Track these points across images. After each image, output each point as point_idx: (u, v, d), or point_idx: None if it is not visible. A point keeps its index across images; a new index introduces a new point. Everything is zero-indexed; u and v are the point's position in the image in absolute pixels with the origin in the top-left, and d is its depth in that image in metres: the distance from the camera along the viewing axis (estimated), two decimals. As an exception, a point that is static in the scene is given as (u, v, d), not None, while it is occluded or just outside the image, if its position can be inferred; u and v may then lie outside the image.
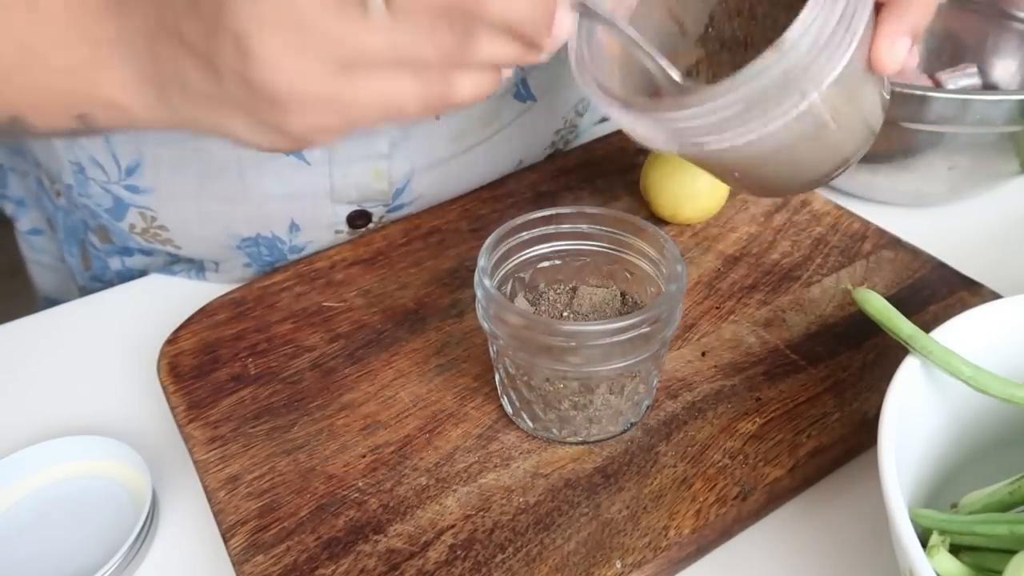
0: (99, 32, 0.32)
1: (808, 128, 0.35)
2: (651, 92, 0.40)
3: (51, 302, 0.68)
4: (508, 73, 0.33)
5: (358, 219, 0.58)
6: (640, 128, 0.35)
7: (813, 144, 0.37)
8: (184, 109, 0.32)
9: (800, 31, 0.31)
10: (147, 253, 0.61)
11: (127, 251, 0.62)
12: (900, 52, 0.35)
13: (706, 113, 0.33)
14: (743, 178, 0.41)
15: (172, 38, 0.30)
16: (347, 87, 0.29)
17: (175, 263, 0.62)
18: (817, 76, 0.33)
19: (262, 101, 0.29)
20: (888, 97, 0.40)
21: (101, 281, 0.65)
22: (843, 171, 0.41)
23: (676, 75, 0.35)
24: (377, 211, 0.59)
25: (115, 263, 0.63)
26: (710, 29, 0.44)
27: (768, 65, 0.32)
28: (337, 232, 0.58)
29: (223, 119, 0.31)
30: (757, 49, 0.35)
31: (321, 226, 0.58)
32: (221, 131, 0.32)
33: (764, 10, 0.42)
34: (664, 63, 0.35)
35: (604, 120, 0.75)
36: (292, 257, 0.59)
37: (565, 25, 0.31)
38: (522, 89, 0.60)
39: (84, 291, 0.67)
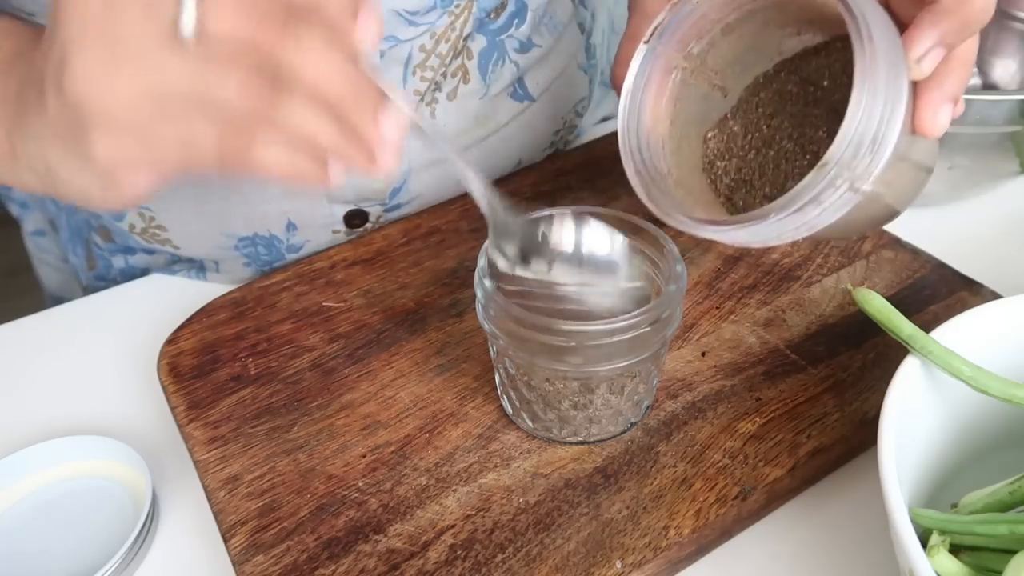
0: None
1: (863, 208, 0.37)
2: (703, 130, 0.46)
3: (58, 300, 0.69)
4: (336, 175, 0.31)
5: (355, 219, 0.58)
6: (700, 234, 0.40)
7: (865, 215, 0.39)
8: (24, 149, 0.32)
9: (840, 147, 0.34)
10: (149, 252, 0.61)
11: (130, 250, 0.62)
12: (944, 119, 0.36)
13: (762, 230, 0.37)
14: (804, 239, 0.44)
15: (26, 75, 0.31)
16: (152, 117, 0.29)
17: (176, 262, 0.62)
18: (864, 174, 0.35)
19: (72, 116, 0.29)
20: (936, 148, 0.42)
21: (105, 280, 0.65)
22: (893, 219, 0.45)
23: (499, 207, 0.38)
24: (374, 211, 0.59)
25: (119, 261, 0.63)
26: (751, 97, 0.47)
27: (815, 181, 0.35)
28: (335, 232, 0.58)
29: (48, 151, 0.31)
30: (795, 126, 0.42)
31: (318, 226, 0.58)
32: (51, 167, 0.32)
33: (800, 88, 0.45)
34: (494, 198, 0.37)
35: (606, 119, 0.75)
36: (290, 256, 0.59)
37: (391, 127, 0.30)
38: (519, 89, 0.60)
39: (88, 290, 0.67)
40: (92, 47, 0.28)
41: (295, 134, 0.29)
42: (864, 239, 0.56)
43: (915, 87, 0.37)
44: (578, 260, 0.39)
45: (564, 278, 0.39)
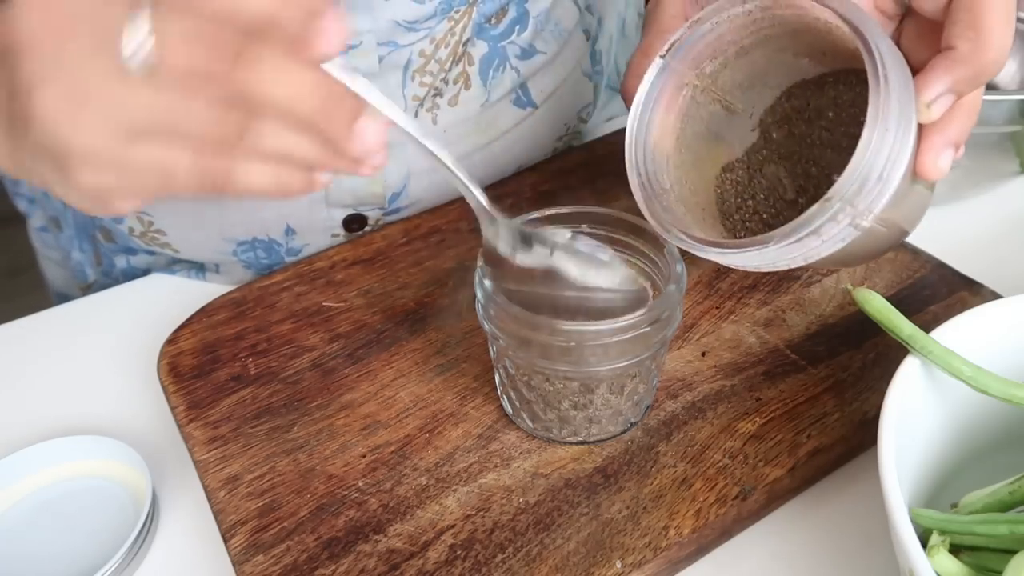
0: None
1: (860, 240, 0.38)
2: (711, 143, 0.46)
3: (63, 297, 0.69)
4: (324, 178, 0.31)
5: (354, 223, 0.58)
6: (722, 262, 0.41)
7: (864, 246, 0.40)
8: (24, 162, 0.32)
9: (847, 182, 0.35)
10: (151, 253, 0.61)
11: (131, 250, 0.62)
12: (945, 164, 0.37)
13: (759, 256, 0.38)
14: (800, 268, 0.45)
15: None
16: (124, 149, 0.28)
17: (176, 263, 0.62)
18: (866, 211, 0.36)
19: (48, 155, 0.29)
20: (933, 188, 0.42)
21: (110, 277, 0.65)
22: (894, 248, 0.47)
23: (485, 203, 0.38)
24: (373, 215, 0.59)
25: (120, 261, 0.63)
26: (762, 118, 0.47)
27: (818, 212, 0.35)
28: (334, 236, 0.58)
29: (43, 171, 0.31)
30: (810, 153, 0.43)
31: (317, 230, 0.58)
32: (48, 184, 0.32)
33: (814, 114, 0.46)
34: (478, 193, 0.38)
35: (612, 118, 0.75)
36: (289, 259, 0.59)
37: (370, 134, 0.30)
38: (522, 96, 0.60)
39: (91, 288, 0.67)
40: (52, 83, 0.28)
41: (271, 154, 0.29)
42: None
43: (919, 130, 0.37)
44: (576, 249, 0.39)
45: (566, 264, 0.39)
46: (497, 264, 0.40)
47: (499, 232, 0.39)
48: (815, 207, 0.35)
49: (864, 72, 0.35)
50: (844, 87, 0.44)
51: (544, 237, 0.39)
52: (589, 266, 0.39)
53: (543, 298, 0.40)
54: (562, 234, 0.40)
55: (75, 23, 0.27)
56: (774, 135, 0.46)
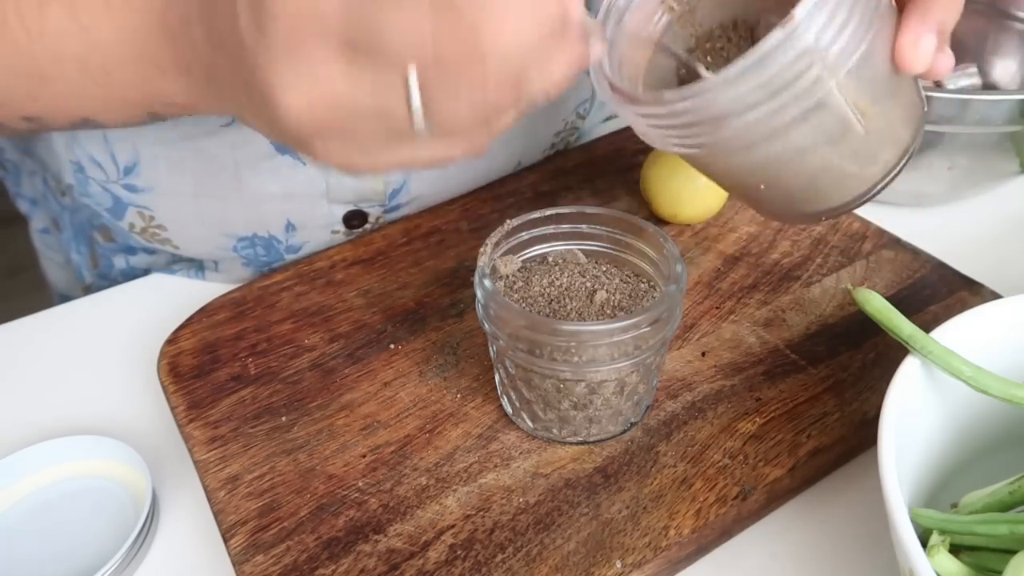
0: (156, 54, 0.34)
1: (831, 129, 0.33)
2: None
3: (65, 299, 0.69)
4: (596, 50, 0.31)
5: (354, 219, 0.58)
6: (641, 125, 0.34)
7: (840, 150, 0.35)
8: (240, 112, 0.32)
9: (809, 7, 0.30)
10: (150, 252, 0.61)
11: (131, 250, 0.62)
12: (925, 50, 0.34)
13: (718, 98, 0.31)
14: (765, 192, 0.38)
15: (215, 67, 0.31)
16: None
17: (176, 262, 0.62)
18: (832, 61, 0.31)
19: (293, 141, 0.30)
20: (924, 109, 0.38)
21: (107, 279, 0.65)
22: (881, 188, 0.38)
23: (703, 71, 0.34)
24: (374, 211, 0.59)
25: (120, 261, 0.63)
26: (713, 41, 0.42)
27: (776, 44, 0.30)
28: (334, 232, 0.58)
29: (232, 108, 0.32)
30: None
31: (317, 226, 0.58)
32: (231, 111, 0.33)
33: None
34: (690, 60, 0.34)
35: (609, 119, 0.75)
36: (289, 257, 0.59)
37: (596, 51, 0.30)
38: None
39: (91, 289, 0.67)
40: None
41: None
42: (863, 239, 0.56)
43: (900, 18, 0.34)
44: None
45: None
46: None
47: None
48: (775, 30, 0.30)
49: None
50: None
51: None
52: None
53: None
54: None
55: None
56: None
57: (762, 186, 0.37)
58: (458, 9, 0.25)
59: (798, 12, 0.30)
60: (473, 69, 0.26)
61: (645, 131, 0.35)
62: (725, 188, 0.40)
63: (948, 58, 0.35)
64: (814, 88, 0.31)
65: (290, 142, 0.29)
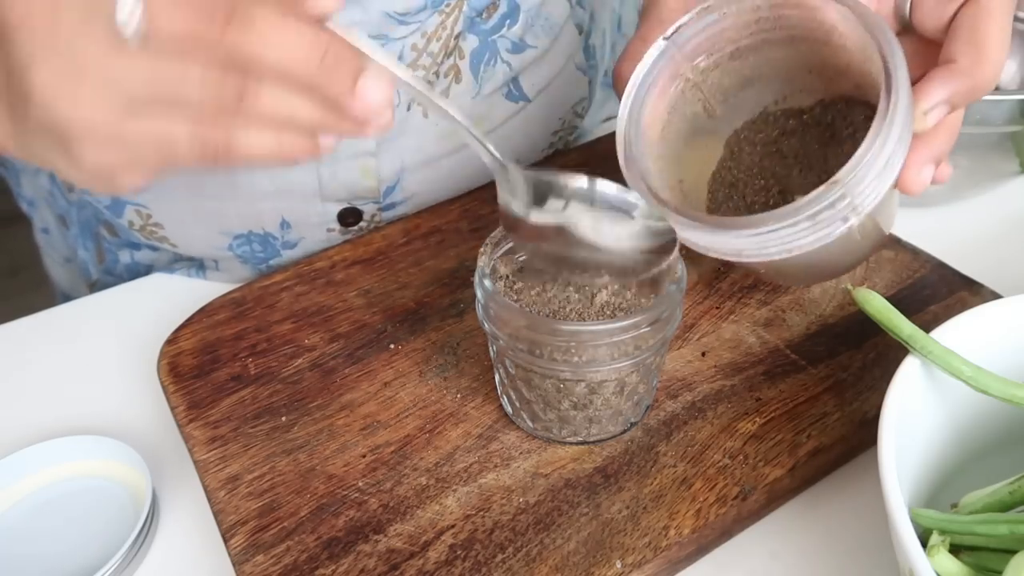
0: None
1: (839, 243, 0.38)
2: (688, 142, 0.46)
3: (67, 297, 0.69)
4: (328, 142, 0.31)
5: (349, 217, 0.58)
6: (687, 235, 0.40)
7: (838, 252, 0.40)
8: (28, 144, 0.32)
9: (854, 167, 0.35)
10: (153, 249, 0.62)
11: (135, 245, 0.62)
12: (926, 178, 0.38)
13: (756, 236, 0.37)
14: (767, 274, 0.46)
15: None
16: (124, 122, 0.28)
17: (177, 261, 0.62)
18: (860, 206, 0.37)
19: (50, 134, 0.29)
20: (898, 204, 0.44)
21: (112, 275, 0.65)
22: (862, 262, 0.49)
23: (497, 153, 0.37)
24: (368, 209, 0.59)
25: (125, 256, 0.63)
26: (744, 132, 0.48)
27: (822, 195, 0.36)
28: (329, 230, 0.59)
29: (47, 151, 0.31)
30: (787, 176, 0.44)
31: (313, 224, 0.58)
32: (53, 164, 0.32)
33: (796, 140, 0.47)
34: (490, 146, 0.37)
35: (609, 119, 0.75)
36: (285, 253, 0.59)
37: (374, 92, 0.29)
38: (513, 89, 0.60)
39: (97, 285, 0.67)
40: (47, 60, 0.27)
41: (272, 118, 0.29)
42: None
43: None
44: (592, 198, 0.39)
45: (580, 218, 0.38)
46: (514, 228, 0.38)
47: (513, 185, 0.37)
48: (822, 188, 0.36)
49: (839, 103, 0.38)
50: (830, 112, 0.45)
51: (560, 186, 0.38)
52: (603, 221, 0.38)
53: (563, 260, 0.39)
54: (580, 179, 0.39)
55: None
56: (743, 151, 0.47)
57: (763, 271, 0.45)
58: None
59: (844, 173, 0.35)
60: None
61: (701, 247, 0.41)
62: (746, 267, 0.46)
63: (947, 170, 0.40)
64: (842, 228, 0.37)
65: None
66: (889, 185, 0.37)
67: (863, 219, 0.37)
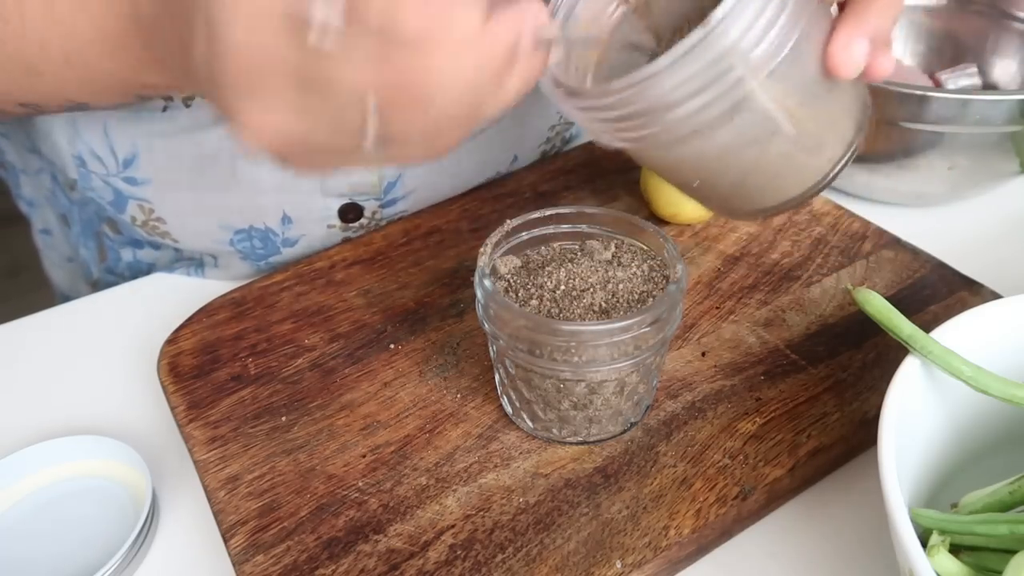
0: (133, 49, 0.36)
1: (756, 128, 0.33)
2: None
3: (67, 298, 0.69)
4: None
5: (350, 213, 0.58)
6: (582, 118, 0.34)
7: (768, 150, 0.35)
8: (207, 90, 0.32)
9: (728, 7, 0.30)
10: (155, 246, 0.62)
11: (137, 243, 0.62)
12: (856, 54, 0.33)
13: (638, 95, 0.31)
14: (704, 188, 0.38)
15: (175, 40, 0.31)
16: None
17: (178, 260, 0.62)
18: (753, 63, 0.31)
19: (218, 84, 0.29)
20: (867, 113, 0.37)
21: (114, 273, 0.65)
22: (817, 190, 0.38)
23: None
24: (369, 205, 0.59)
25: (127, 254, 0.63)
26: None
27: (694, 42, 0.30)
28: (329, 227, 0.59)
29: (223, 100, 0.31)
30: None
31: (313, 220, 0.58)
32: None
33: None
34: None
35: None
36: (285, 250, 0.59)
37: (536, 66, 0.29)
38: None
39: (98, 284, 0.67)
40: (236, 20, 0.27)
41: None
42: (863, 239, 0.56)
43: (835, 21, 0.33)
44: None
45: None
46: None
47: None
48: (695, 29, 0.29)
49: None
50: None
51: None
52: None
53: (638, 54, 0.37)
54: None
55: None
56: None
57: (696, 183, 0.37)
58: (407, 55, 0.25)
59: (717, 13, 0.30)
60: (422, 108, 0.27)
61: (588, 125, 0.35)
62: (669, 183, 0.40)
63: (888, 60, 0.34)
64: (735, 89, 0.31)
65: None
66: (788, 40, 0.31)
67: (774, 93, 0.32)
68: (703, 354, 0.48)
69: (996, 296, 0.51)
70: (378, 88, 0.26)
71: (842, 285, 0.52)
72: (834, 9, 0.35)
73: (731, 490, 0.41)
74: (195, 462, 0.44)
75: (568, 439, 0.43)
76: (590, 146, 0.67)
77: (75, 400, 0.51)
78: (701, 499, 0.40)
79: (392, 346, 0.50)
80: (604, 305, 0.41)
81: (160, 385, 0.49)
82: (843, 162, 0.37)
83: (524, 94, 0.30)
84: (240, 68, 0.26)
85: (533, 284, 0.42)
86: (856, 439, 0.44)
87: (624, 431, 0.44)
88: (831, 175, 0.37)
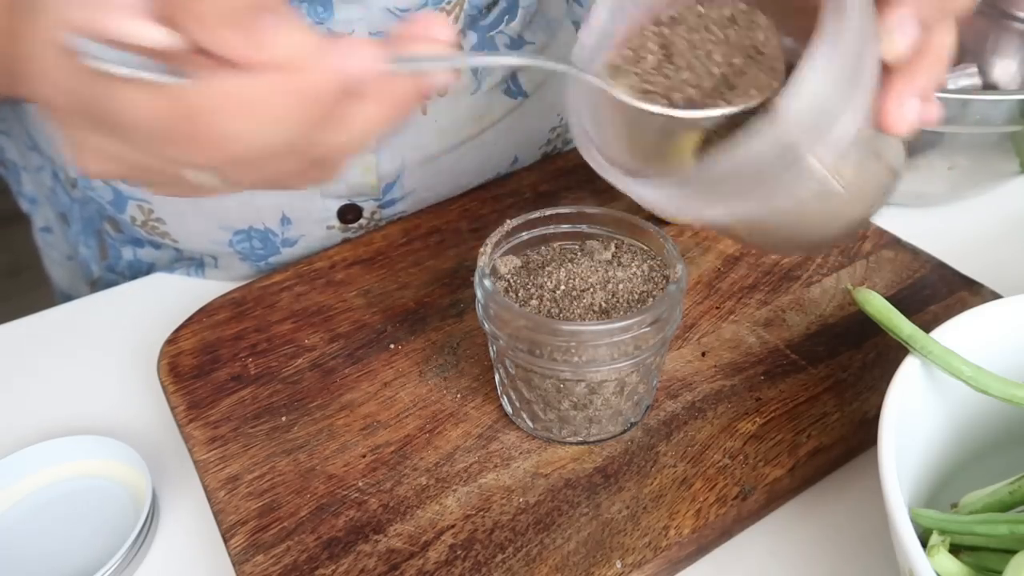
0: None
1: (813, 195, 0.33)
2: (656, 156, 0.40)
3: (67, 297, 0.69)
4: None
5: (349, 214, 0.58)
6: (639, 194, 0.34)
7: (821, 208, 0.35)
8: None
9: (792, 97, 0.29)
10: (156, 246, 0.62)
11: (138, 242, 0.62)
12: (909, 113, 0.33)
13: (698, 186, 0.32)
14: (749, 238, 0.39)
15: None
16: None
17: (178, 260, 0.62)
18: (815, 145, 0.31)
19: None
20: (904, 154, 0.38)
21: (115, 272, 0.65)
22: (859, 229, 0.39)
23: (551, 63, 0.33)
24: (368, 206, 0.59)
25: (128, 253, 0.63)
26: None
27: (758, 132, 0.29)
28: (329, 227, 0.59)
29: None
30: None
31: (312, 220, 0.58)
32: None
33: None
34: (541, 62, 0.32)
35: None
36: (284, 250, 0.59)
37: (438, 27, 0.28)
38: (512, 85, 0.60)
39: (98, 283, 0.67)
40: None
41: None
42: (863, 239, 0.56)
43: (884, 80, 0.33)
44: None
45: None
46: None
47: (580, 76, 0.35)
48: (758, 121, 0.29)
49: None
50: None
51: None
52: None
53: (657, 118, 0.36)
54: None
55: None
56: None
57: (742, 234, 0.39)
58: (180, 92, 0.24)
59: (782, 101, 0.29)
60: (212, 142, 0.25)
61: (632, 194, 0.35)
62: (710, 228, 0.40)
63: (935, 110, 0.34)
64: (799, 172, 0.31)
65: None
66: (849, 119, 0.31)
67: (833, 164, 0.32)
68: (703, 354, 0.48)
69: (996, 296, 0.51)
70: (156, 121, 0.25)
71: (842, 285, 0.52)
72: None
73: (731, 490, 0.41)
74: (195, 462, 0.44)
75: (568, 439, 0.43)
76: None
77: (75, 400, 0.51)
78: (701, 499, 0.40)
79: (392, 346, 0.50)
80: (604, 305, 0.41)
81: (160, 385, 0.49)
82: (880, 205, 0.38)
83: (389, 125, 0.28)
84: (46, 101, 0.26)
85: (533, 284, 0.42)
86: (856, 439, 0.44)
87: (624, 431, 0.44)
88: (870, 217, 0.38)
